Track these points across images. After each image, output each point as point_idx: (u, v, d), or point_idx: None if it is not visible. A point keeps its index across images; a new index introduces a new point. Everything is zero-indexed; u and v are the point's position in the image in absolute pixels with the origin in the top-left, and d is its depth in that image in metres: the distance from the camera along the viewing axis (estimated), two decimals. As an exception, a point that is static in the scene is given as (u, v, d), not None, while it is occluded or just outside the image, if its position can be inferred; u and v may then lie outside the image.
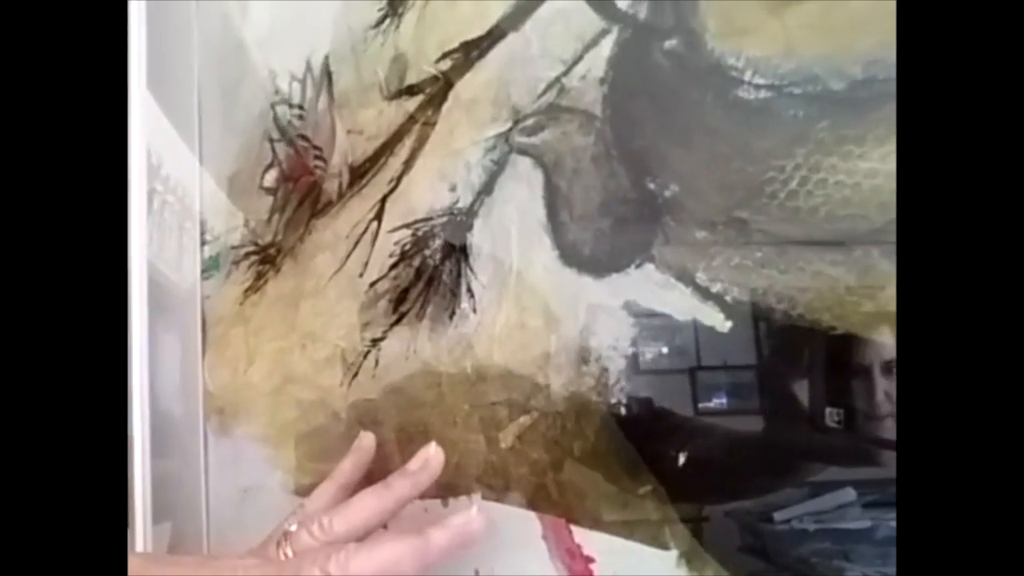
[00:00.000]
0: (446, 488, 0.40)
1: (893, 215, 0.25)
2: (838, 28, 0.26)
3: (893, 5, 0.26)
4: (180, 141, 0.63)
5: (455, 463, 0.38)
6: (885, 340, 0.26)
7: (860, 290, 0.25)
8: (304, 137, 0.53)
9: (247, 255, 0.60)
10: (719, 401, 0.30)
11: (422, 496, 0.38)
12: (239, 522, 0.56)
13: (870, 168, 0.25)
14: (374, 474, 0.44)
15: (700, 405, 0.31)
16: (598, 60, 0.33)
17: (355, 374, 0.48)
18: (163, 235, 0.60)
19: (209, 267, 0.63)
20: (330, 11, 0.51)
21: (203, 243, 0.62)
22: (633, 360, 0.31)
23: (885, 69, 0.26)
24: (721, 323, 0.28)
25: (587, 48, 0.33)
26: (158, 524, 0.54)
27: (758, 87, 0.27)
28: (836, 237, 0.26)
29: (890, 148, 0.25)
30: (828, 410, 0.28)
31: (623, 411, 0.32)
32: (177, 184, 0.62)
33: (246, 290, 0.59)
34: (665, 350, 0.30)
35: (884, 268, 0.25)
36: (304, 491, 0.52)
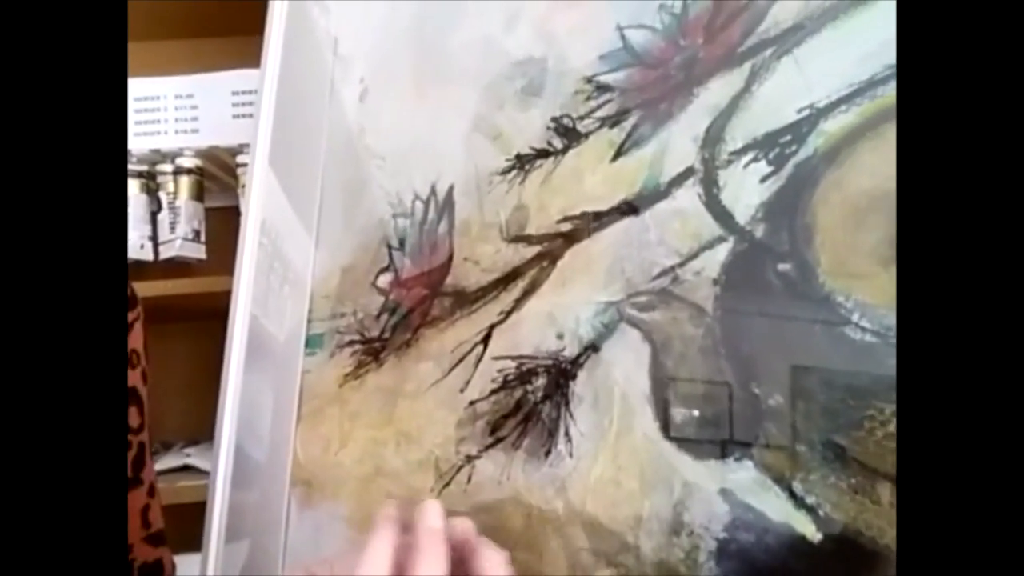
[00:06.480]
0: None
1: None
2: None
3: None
4: (295, 217, 0.69)
5: (539, 594, 0.41)
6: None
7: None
8: (422, 253, 0.58)
9: (351, 342, 0.65)
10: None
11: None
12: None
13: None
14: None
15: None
16: (713, 262, 0.36)
17: (447, 484, 0.51)
18: (269, 293, 0.65)
19: (312, 344, 0.68)
20: (458, 145, 0.56)
21: (309, 320, 0.68)
22: (725, 544, 0.34)
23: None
24: (812, 534, 0.31)
25: (703, 248, 0.37)
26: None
27: (864, 330, 0.30)
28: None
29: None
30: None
31: (709, 589, 0.34)
32: (287, 252, 0.68)
33: (346, 374, 0.64)
34: (755, 540, 0.32)
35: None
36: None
